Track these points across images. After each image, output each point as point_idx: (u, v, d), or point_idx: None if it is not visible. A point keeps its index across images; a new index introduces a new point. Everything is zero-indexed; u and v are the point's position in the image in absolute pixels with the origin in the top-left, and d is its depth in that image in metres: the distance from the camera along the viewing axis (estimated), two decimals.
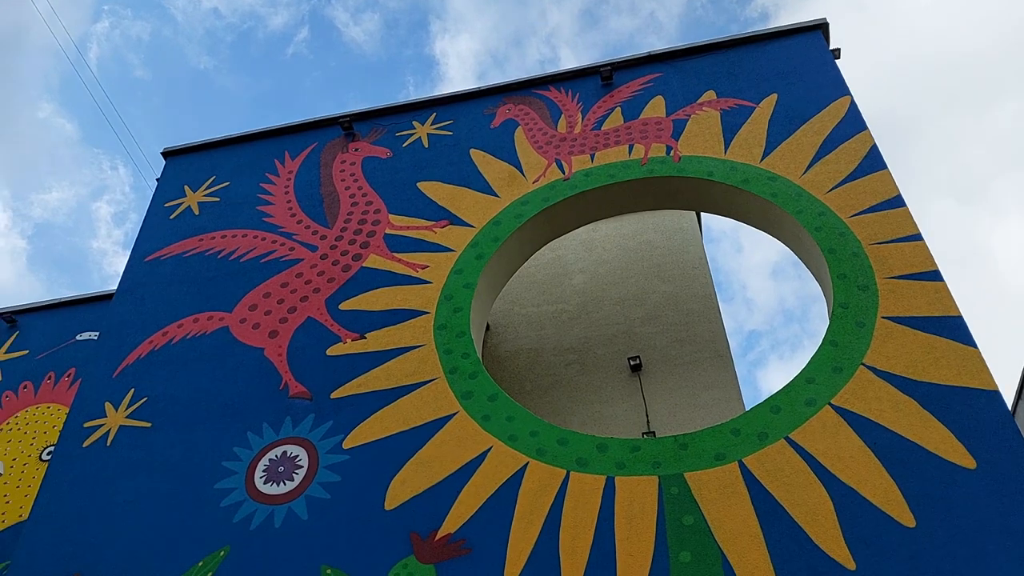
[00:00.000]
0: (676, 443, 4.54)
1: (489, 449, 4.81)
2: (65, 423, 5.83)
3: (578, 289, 8.35)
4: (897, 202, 5.35)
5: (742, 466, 4.35)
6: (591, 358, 7.62)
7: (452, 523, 4.49)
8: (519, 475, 4.64)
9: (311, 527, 4.69)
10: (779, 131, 6.07)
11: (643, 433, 6.67)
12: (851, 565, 3.86)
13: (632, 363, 7.25)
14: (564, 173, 6.30)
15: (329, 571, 4.45)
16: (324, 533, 4.64)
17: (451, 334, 5.51)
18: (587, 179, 6.20)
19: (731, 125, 6.23)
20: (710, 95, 6.53)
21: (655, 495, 4.31)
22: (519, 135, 6.74)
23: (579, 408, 7.14)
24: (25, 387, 8.24)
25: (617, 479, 4.44)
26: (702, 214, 8.87)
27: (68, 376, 8.22)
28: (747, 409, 5.00)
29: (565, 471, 4.55)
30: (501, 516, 4.46)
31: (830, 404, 4.47)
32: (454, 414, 5.06)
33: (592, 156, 6.36)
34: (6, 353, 8.60)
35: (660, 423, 6.76)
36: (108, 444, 5.53)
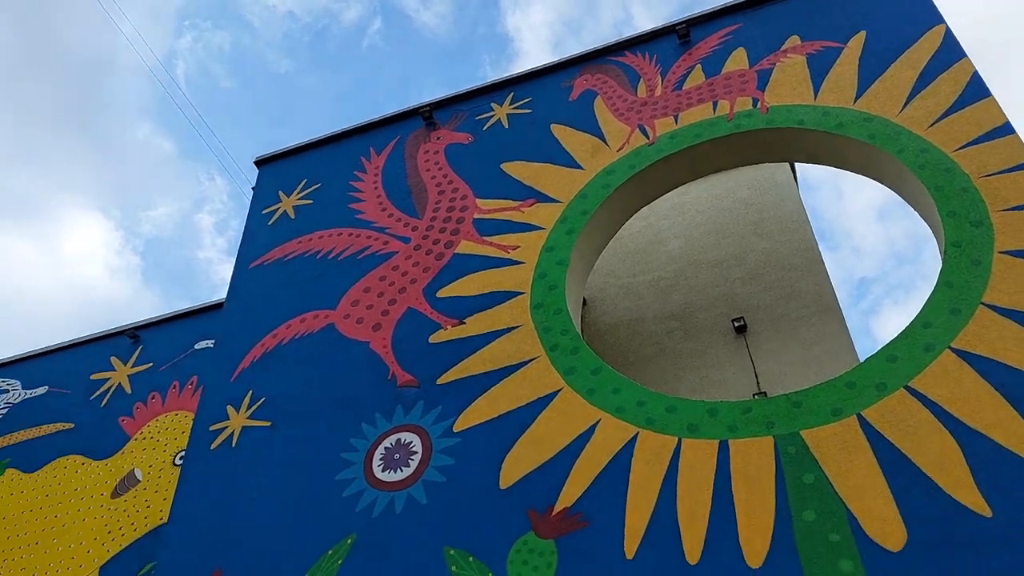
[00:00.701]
0: (789, 402, 4.43)
1: (597, 422, 4.80)
2: (192, 428, 6.15)
3: (674, 255, 8.22)
4: (1006, 129, 5.03)
5: (861, 419, 4.20)
6: (693, 323, 7.50)
7: (568, 497, 4.52)
8: (630, 446, 4.62)
9: (431, 510, 4.80)
10: (871, 69, 5.79)
11: (754, 395, 6.53)
12: (986, 512, 3.68)
13: (736, 325, 7.09)
14: (648, 138, 6.20)
15: (452, 552, 4.54)
16: (444, 515, 4.74)
17: (548, 312, 5.52)
18: (672, 141, 6.08)
19: (819, 69, 5.98)
20: (794, 40, 6.28)
21: (772, 456, 4.22)
22: (599, 104, 6.66)
23: (686, 375, 7.05)
24: (153, 397, 8.72)
25: (731, 442, 4.36)
26: (796, 164, 8.57)
27: (191, 384, 8.65)
28: (862, 361, 4.83)
29: (676, 438, 4.50)
30: (616, 487, 4.45)
31: (950, 348, 4.26)
32: (558, 391, 5.07)
33: (676, 118, 6.22)
34: (132, 367, 9.11)
35: (770, 383, 6.60)
36: (233, 445, 5.79)
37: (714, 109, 6.13)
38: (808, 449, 4.18)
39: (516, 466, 4.80)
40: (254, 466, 5.57)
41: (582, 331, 6.49)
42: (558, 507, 4.50)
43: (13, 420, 9.19)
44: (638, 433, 4.63)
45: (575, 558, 4.26)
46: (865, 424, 4.17)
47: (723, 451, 4.34)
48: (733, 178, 8.51)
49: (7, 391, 9.55)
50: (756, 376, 6.72)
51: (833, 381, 4.44)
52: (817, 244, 7.69)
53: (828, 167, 5.93)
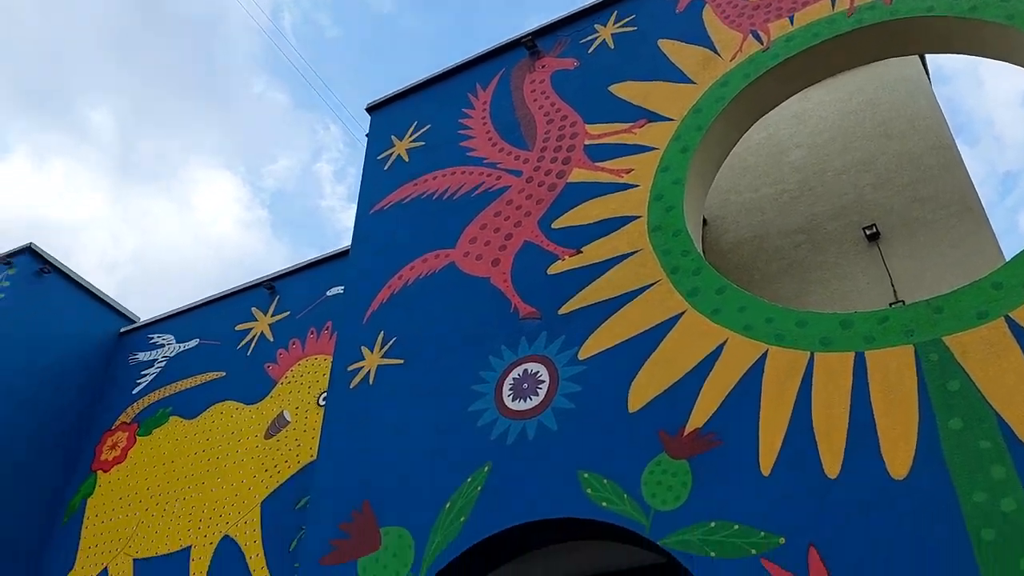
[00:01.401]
0: (929, 307, 4.21)
1: (724, 342, 4.72)
2: (331, 370, 6.46)
3: (797, 165, 7.87)
4: None
5: (1009, 321, 3.95)
6: (822, 235, 7.20)
7: (698, 418, 4.50)
8: (760, 364, 4.53)
9: (562, 436, 4.89)
10: None
11: (890, 304, 6.24)
12: None
13: (868, 233, 6.76)
14: (762, 43, 5.89)
15: (586, 475, 4.63)
16: (575, 441, 4.83)
17: (667, 234, 5.43)
18: (789, 44, 5.76)
19: None
20: None
21: (912, 365, 4.04)
22: (707, 14, 6.37)
23: (815, 289, 6.80)
24: (293, 344, 9.20)
25: (867, 353, 4.20)
26: (927, 56, 7.96)
27: (327, 329, 9.07)
28: (1008, 260, 4.51)
29: (808, 353, 4.38)
30: (747, 406, 4.39)
31: None
32: (682, 313, 5.01)
33: (791, 18, 5.88)
34: (272, 317, 9.63)
35: (908, 291, 6.29)
36: (371, 383, 6.06)
37: (832, 5, 5.74)
38: (952, 355, 3.98)
39: (644, 390, 4.80)
40: (392, 402, 5.81)
41: (703, 252, 6.35)
42: (689, 428, 4.49)
43: (171, 372, 9.93)
44: (768, 350, 4.53)
45: (710, 477, 4.26)
46: (1014, 325, 3.92)
47: (859, 363, 4.19)
48: (857, 78, 8.00)
49: (163, 346, 10.30)
50: (892, 285, 6.41)
51: (978, 283, 4.18)
52: (954, 140, 7.16)
53: (963, 56, 5.48)
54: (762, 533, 3.95)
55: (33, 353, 9.71)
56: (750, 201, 7.88)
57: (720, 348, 4.71)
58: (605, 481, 4.54)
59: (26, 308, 9.77)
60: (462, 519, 4.94)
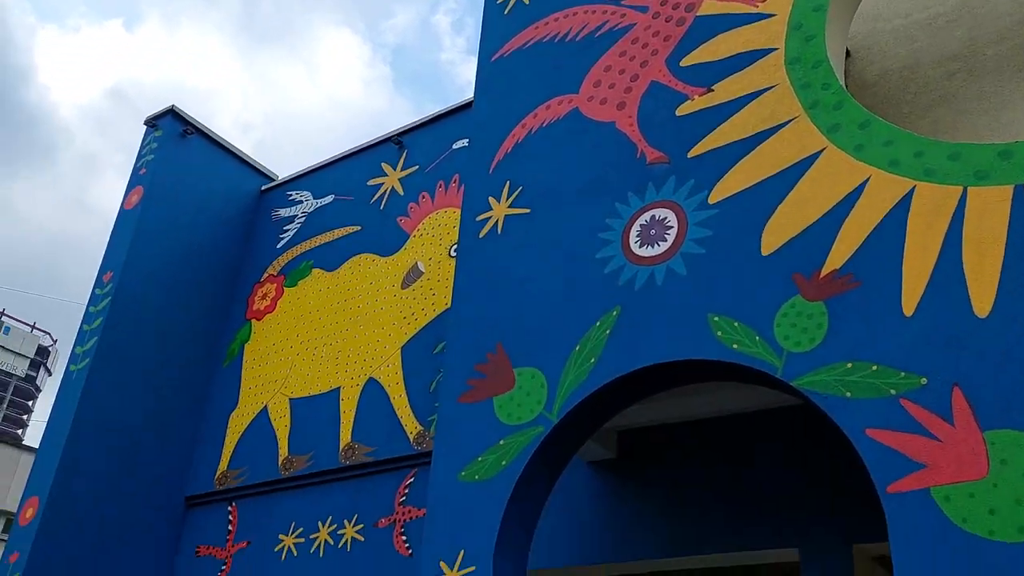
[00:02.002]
0: None
1: (867, 179, 4.47)
2: (461, 221, 6.58)
3: None
4: None
5: None
6: (980, 62, 6.54)
7: (836, 259, 4.34)
8: (905, 201, 4.27)
9: (691, 281, 4.85)
10: None
11: None
12: None
13: None
14: None
15: (716, 318, 4.61)
16: (705, 285, 4.78)
17: (806, 66, 5.07)
18: None
19: None
20: None
21: None
22: None
23: (970, 120, 6.26)
24: (423, 197, 9.41)
25: None
26: None
27: (454, 182, 9.19)
28: None
29: (961, 188, 4.09)
30: (890, 245, 4.19)
31: None
32: (821, 150, 4.74)
33: None
34: (401, 171, 9.82)
35: None
36: (499, 232, 6.15)
37: None
38: None
39: (778, 232, 4.66)
40: (520, 250, 5.90)
41: (845, 86, 5.91)
42: (826, 270, 4.35)
43: (310, 227, 10.42)
44: (915, 187, 4.26)
45: (847, 318, 4.15)
46: None
47: (1019, 196, 3.88)
48: None
49: (301, 202, 10.76)
50: None
51: None
52: None
53: None
54: (902, 373, 3.85)
55: (186, 212, 10.37)
56: (900, 28, 7.20)
57: (862, 186, 4.46)
58: (736, 324, 4.51)
59: (175, 169, 10.36)
60: (592, 361, 5.06)
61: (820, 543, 5.35)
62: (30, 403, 62.63)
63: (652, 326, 4.88)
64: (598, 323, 5.15)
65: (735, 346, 4.45)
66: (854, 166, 4.55)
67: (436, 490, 5.39)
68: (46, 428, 8.99)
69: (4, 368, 60.38)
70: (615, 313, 5.10)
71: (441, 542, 5.15)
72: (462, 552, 5.01)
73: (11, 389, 60.46)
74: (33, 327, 62.28)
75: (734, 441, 6.06)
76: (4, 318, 59.98)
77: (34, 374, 61.96)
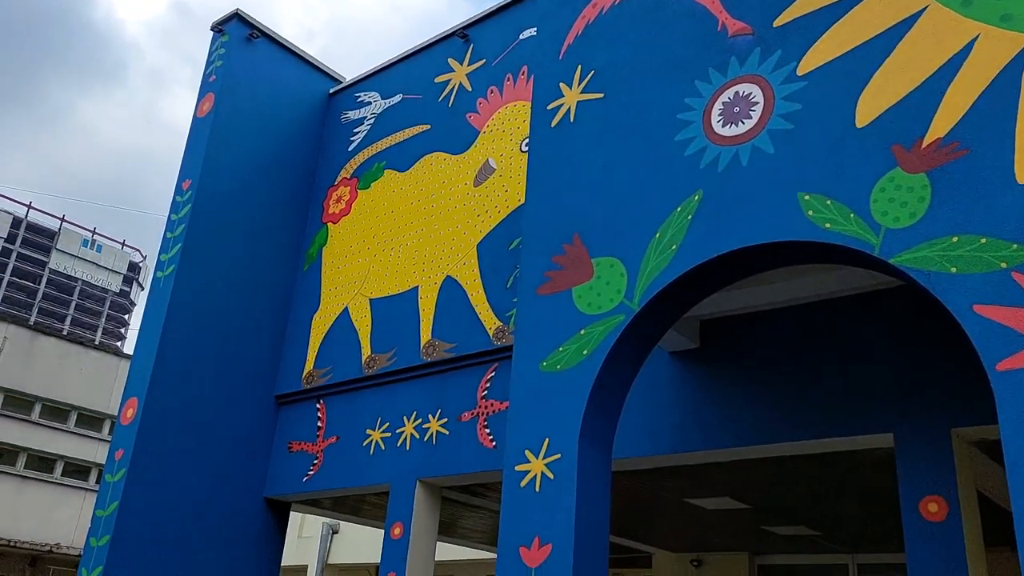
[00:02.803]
0: None
1: (976, 38, 4.08)
2: (532, 110, 6.37)
3: None
4: None
5: None
6: None
7: (940, 127, 4.02)
8: (1019, 60, 3.90)
9: (779, 159, 4.60)
10: None
11: None
12: None
13: None
14: None
15: (807, 197, 4.37)
16: (794, 163, 4.52)
17: None
18: None
19: None
20: None
21: None
22: None
23: None
24: (492, 92, 9.16)
25: None
26: None
27: (523, 74, 8.90)
28: None
29: None
30: (1002, 109, 3.85)
31: None
32: (923, 9, 4.34)
33: None
34: (468, 66, 9.56)
35: None
36: (572, 120, 5.93)
37: None
38: None
39: (874, 101, 4.33)
40: (595, 137, 5.69)
41: None
42: (928, 139, 4.04)
43: (380, 128, 10.32)
44: None
45: (952, 190, 3.86)
46: None
47: None
48: None
49: (370, 103, 10.63)
50: None
51: None
52: None
53: None
54: (1014, 246, 3.59)
55: (257, 117, 10.39)
56: None
57: (970, 45, 4.08)
58: (828, 202, 4.27)
59: (244, 75, 10.33)
60: (673, 247, 4.90)
61: (916, 427, 5.19)
62: (126, 316, 65.84)
63: (737, 209, 4.67)
64: (679, 208, 4.96)
65: (828, 225, 4.22)
66: (961, 24, 4.16)
67: (518, 381, 5.40)
68: (139, 332, 9.36)
69: (100, 284, 63.37)
70: (697, 197, 4.90)
71: (526, 431, 5.18)
72: (547, 440, 5.04)
73: (107, 304, 63.56)
74: (123, 244, 64.83)
75: (822, 327, 5.87)
76: (95, 237, 62.52)
77: (127, 289, 64.88)
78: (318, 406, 9.51)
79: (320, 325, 9.92)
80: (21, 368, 17.33)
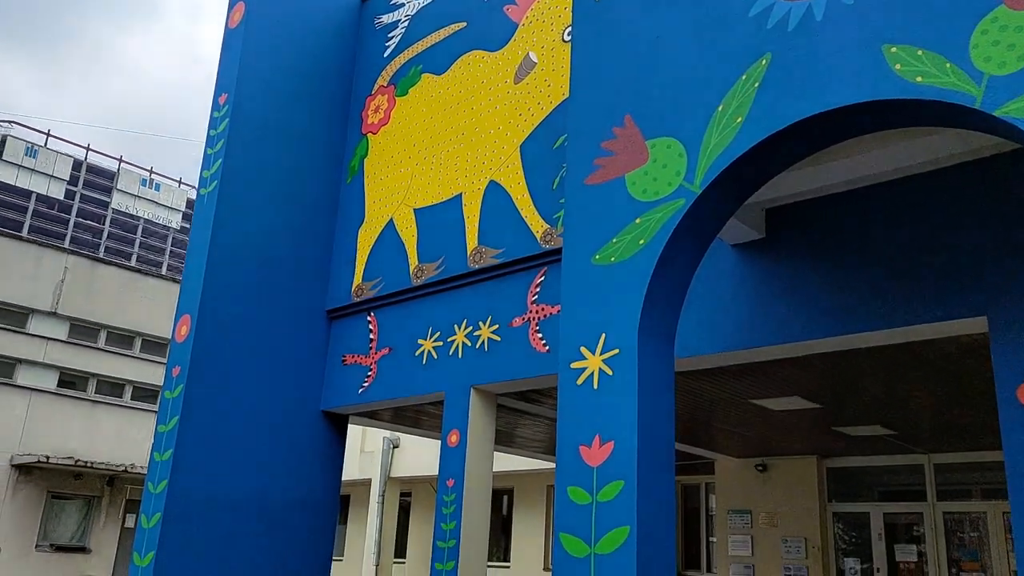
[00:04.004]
0: None
1: None
2: None
3: None
4: None
5: None
6: None
7: None
8: None
9: (860, 9, 4.04)
10: None
11: None
12: None
13: None
14: None
15: (894, 49, 3.84)
16: (877, 11, 3.97)
17: None
18: None
19: None
20: None
21: None
22: None
23: None
24: None
25: None
26: None
27: None
28: None
29: None
30: None
31: None
32: None
33: None
34: None
35: None
36: None
37: None
38: None
39: None
40: (644, 6, 5.17)
41: None
42: None
43: (415, 30, 9.81)
44: None
45: None
46: None
47: None
48: None
49: (403, 4, 10.11)
50: None
51: None
52: None
53: None
54: None
55: (290, 26, 9.98)
56: None
57: None
58: (920, 52, 3.74)
59: None
60: (738, 120, 4.43)
61: (1013, 309, 4.71)
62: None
63: (811, 71, 4.16)
64: (744, 76, 4.46)
65: (919, 79, 3.70)
66: None
67: (570, 276, 5.05)
68: (188, 250, 9.25)
69: (160, 222, 64.54)
70: (764, 62, 4.38)
71: (580, 328, 4.87)
72: (603, 336, 4.71)
73: (170, 240, 64.80)
74: (180, 182, 65.66)
75: (905, 205, 5.36)
76: (153, 176, 63.34)
77: (187, 225, 65.95)
78: (369, 319, 9.34)
79: (366, 238, 9.68)
80: (84, 298, 17.64)
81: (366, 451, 17.61)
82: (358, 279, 9.51)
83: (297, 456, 9.17)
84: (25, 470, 15.84)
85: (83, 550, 16.41)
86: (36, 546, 15.93)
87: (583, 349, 4.81)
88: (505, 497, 15.64)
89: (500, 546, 15.40)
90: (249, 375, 8.90)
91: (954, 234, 5.08)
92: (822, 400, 7.37)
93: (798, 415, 8.04)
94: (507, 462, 13.63)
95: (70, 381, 17.34)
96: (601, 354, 4.71)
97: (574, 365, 4.84)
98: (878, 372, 6.51)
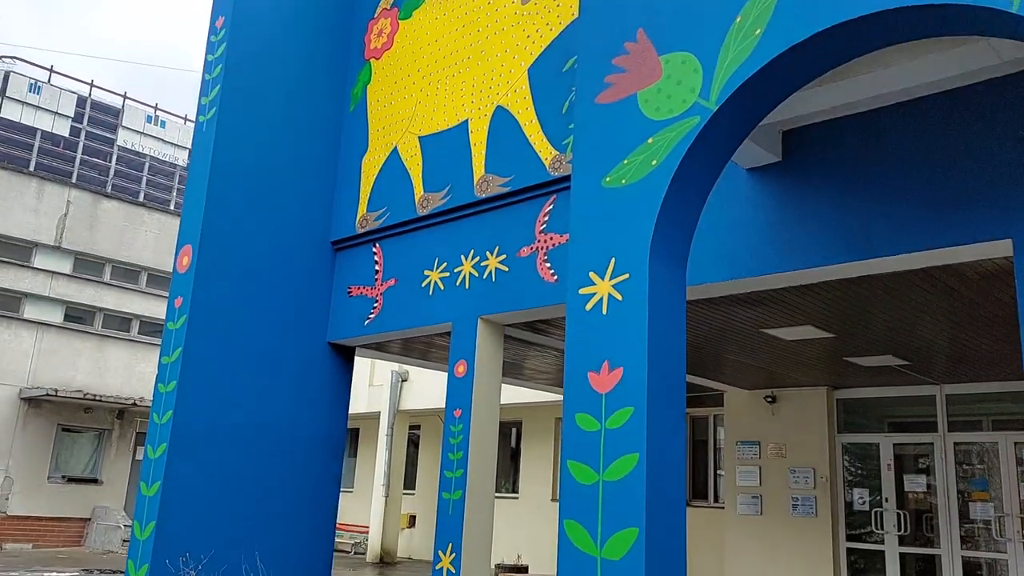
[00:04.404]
0: None
1: None
2: None
3: None
4: None
5: None
6: None
7: None
8: None
9: None
10: None
11: None
12: None
13: None
14: None
15: None
16: None
17: None
18: None
19: None
20: None
21: None
22: None
23: None
24: None
25: None
26: None
27: None
28: None
29: None
30: None
31: None
32: None
33: None
34: None
35: None
36: None
37: None
38: None
39: None
40: None
41: None
42: None
43: None
44: None
45: None
46: None
47: None
48: None
49: None
50: None
51: None
52: None
53: None
54: None
55: None
56: None
57: None
58: None
59: None
60: (757, 32, 4.19)
61: None
62: None
63: None
64: None
65: None
66: None
67: (579, 199, 4.87)
68: (187, 179, 9.07)
69: (167, 160, 64.09)
70: None
71: (589, 252, 4.71)
72: (613, 260, 4.56)
73: (177, 178, 64.47)
74: (185, 119, 64.97)
75: (926, 124, 5.12)
76: (158, 112, 62.64)
77: None
78: (374, 250, 9.20)
79: (370, 167, 9.47)
80: (87, 232, 17.53)
81: (375, 384, 17.68)
82: (362, 209, 9.34)
83: (304, 388, 9.14)
84: (34, 403, 15.97)
85: (95, 482, 16.65)
86: (48, 478, 16.16)
87: (592, 274, 4.66)
88: (513, 430, 15.71)
89: (509, 478, 15.53)
90: (253, 306, 8.81)
91: (979, 154, 4.85)
92: (834, 329, 7.24)
93: (810, 345, 7.92)
94: (515, 394, 13.64)
95: (78, 316, 17.36)
96: (611, 279, 4.56)
97: (583, 291, 4.70)
98: (893, 300, 6.36)
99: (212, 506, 8.10)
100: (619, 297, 4.49)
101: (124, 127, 64.82)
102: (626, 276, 4.48)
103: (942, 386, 9.43)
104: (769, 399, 10.74)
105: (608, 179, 4.74)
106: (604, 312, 4.54)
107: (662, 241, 4.49)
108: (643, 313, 4.34)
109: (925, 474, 9.45)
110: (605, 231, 4.67)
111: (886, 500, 9.60)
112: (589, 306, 4.62)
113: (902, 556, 9.35)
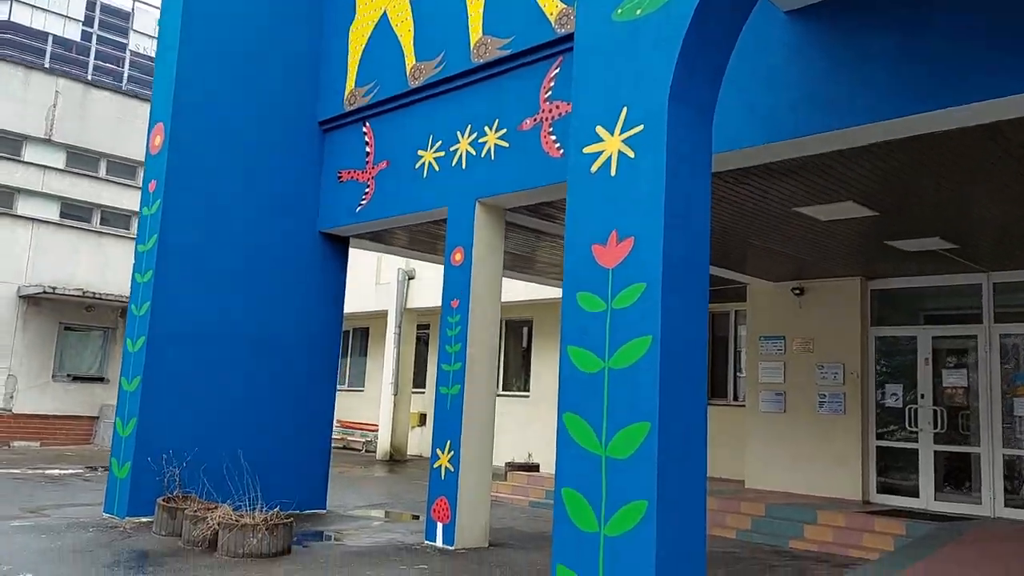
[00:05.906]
0: None
1: None
2: None
3: None
4: None
5: None
6: None
7: None
8: None
9: None
10: None
11: None
12: None
13: None
14: None
15: None
16: None
17: None
18: None
19: None
20: None
21: None
22: None
23: None
24: None
25: None
26: None
27: None
28: None
29: None
30: None
31: None
32: None
33: None
34: None
35: None
36: None
37: None
38: None
39: None
40: None
41: None
42: None
43: None
44: None
45: None
46: None
47: None
48: None
49: None
50: None
51: None
52: None
53: None
54: None
55: None
56: None
57: None
58: None
59: None
60: None
61: None
62: None
63: None
64: None
65: None
66: None
67: (584, 36, 4.03)
68: (157, 49, 8.20)
69: None
70: None
71: (596, 102, 3.90)
72: (624, 110, 3.76)
73: None
74: None
75: None
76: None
77: None
78: (364, 129, 8.37)
79: (358, 36, 8.53)
80: (78, 125, 16.69)
81: (381, 283, 17.08)
82: (351, 84, 8.46)
83: (294, 279, 8.49)
84: (33, 301, 15.53)
85: (101, 380, 16.36)
86: (53, 376, 15.88)
87: (599, 128, 3.87)
88: (525, 328, 15.14)
89: (520, 377, 15.06)
90: (236, 192, 8.08)
91: None
92: (878, 206, 6.40)
93: (847, 227, 7.09)
94: (528, 291, 12.97)
95: (75, 214, 16.73)
96: (621, 133, 3.77)
97: (588, 149, 3.92)
98: (951, 167, 5.50)
99: (196, 403, 7.59)
100: (631, 154, 3.70)
101: (135, 31, 62.77)
102: (639, 128, 3.69)
103: (989, 274, 8.62)
104: (797, 291, 9.98)
105: (620, 10, 3.89)
106: (612, 173, 3.77)
107: (683, 84, 3.67)
108: (659, 171, 3.57)
109: (966, 369, 8.75)
110: (615, 74, 3.85)
111: (922, 396, 8.95)
112: (595, 167, 3.85)
113: (936, 455, 8.77)
